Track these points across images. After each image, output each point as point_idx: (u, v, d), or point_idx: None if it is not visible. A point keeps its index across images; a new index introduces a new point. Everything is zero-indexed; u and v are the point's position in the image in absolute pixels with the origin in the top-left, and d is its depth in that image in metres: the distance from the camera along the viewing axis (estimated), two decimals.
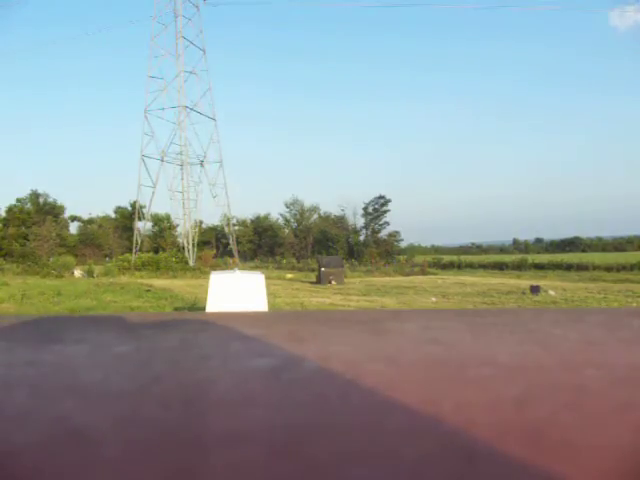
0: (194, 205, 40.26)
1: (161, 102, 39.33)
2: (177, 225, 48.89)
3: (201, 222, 49.67)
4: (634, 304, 13.54)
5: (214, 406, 0.36)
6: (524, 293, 16.75)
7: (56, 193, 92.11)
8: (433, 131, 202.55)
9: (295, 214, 58.22)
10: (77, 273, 29.76)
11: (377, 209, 51.20)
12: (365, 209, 51.51)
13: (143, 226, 43.74)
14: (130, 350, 0.51)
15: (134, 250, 37.93)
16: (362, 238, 51.13)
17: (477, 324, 0.66)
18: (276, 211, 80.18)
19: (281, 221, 59.90)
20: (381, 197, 51.18)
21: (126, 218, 55.27)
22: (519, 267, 36.51)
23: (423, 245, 77.77)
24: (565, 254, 59.14)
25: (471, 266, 39.73)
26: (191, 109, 40.09)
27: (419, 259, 42.13)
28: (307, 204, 58.49)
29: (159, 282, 24.08)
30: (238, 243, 49.37)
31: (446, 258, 46.62)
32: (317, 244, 53.79)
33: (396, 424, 0.32)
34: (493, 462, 0.27)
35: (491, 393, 0.38)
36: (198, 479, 0.26)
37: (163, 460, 0.27)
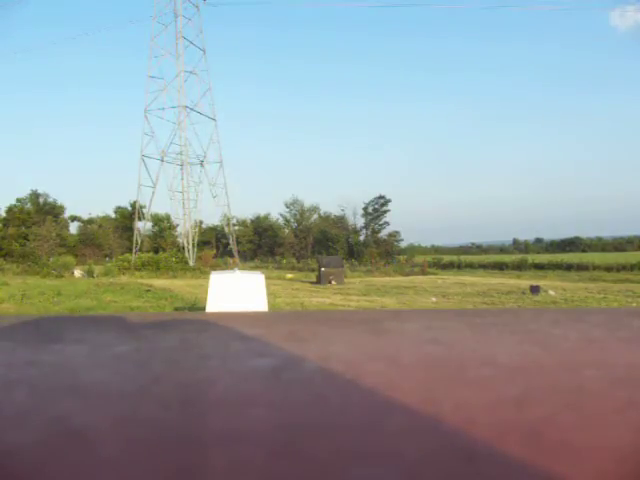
0: (194, 205, 40.29)
1: (161, 102, 39.37)
2: (177, 225, 48.91)
3: (201, 222, 49.73)
4: (634, 304, 13.53)
5: (214, 406, 0.36)
6: (524, 293, 16.75)
7: (56, 193, 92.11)
8: (433, 131, 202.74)
9: (295, 214, 58.25)
10: (77, 273, 29.75)
11: (377, 209, 51.20)
12: (365, 209, 51.52)
13: (143, 226, 43.78)
14: (130, 350, 0.51)
15: (134, 250, 37.93)
16: (362, 238, 51.13)
17: (477, 324, 0.66)
18: (276, 211, 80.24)
19: (281, 221, 59.99)
20: (381, 197, 51.20)
21: (126, 218, 55.30)
22: (519, 267, 36.50)
23: (423, 245, 77.78)
24: (565, 254, 59.13)
25: (471, 266, 39.72)
26: (191, 109, 40.10)
27: (419, 259, 42.11)
28: (307, 204, 58.59)
29: (159, 282, 24.07)
30: (238, 243, 49.37)
31: (446, 258, 46.61)
32: (317, 244, 53.79)
33: (396, 424, 0.32)
34: (493, 462, 0.27)
35: (491, 393, 0.38)
36: (198, 479, 0.26)
37: (163, 460, 0.27)
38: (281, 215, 59.43)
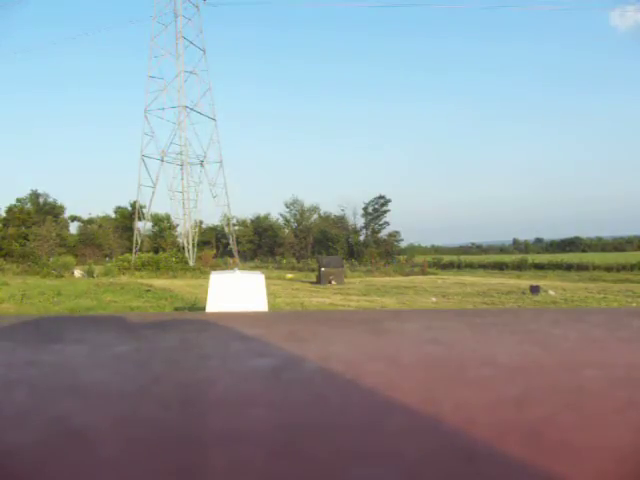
0: (194, 205, 40.28)
1: (161, 102, 39.35)
2: (177, 225, 48.90)
3: (201, 222, 49.73)
4: (634, 304, 13.53)
5: (214, 406, 0.36)
6: (524, 293, 16.75)
7: (56, 193, 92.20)
8: (433, 131, 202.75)
9: (295, 214, 58.24)
10: (77, 273, 29.74)
11: (377, 209, 51.19)
12: (365, 209, 51.51)
13: (143, 226, 43.77)
14: (130, 350, 0.51)
15: (134, 250, 37.92)
16: (362, 238, 51.13)
17: (477, 324, 0.66)
18: (276, 211, 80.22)
19: (281, 221, 59.97)
20: (381, 197, 51.19)
21: (126, 218, 55.29)
22: (519, 267, 36.49)
23: (423, 245, 77.74)
24: (565, 254, 59.10)
25: (471, 266, 39.71)
26: (191, 109, 40.09)
27: (419, 259, 42.10)
28: (307, 204, 58.54)
29: (159, 282, 24.07)
30: (238, 243, 49.37)
31: (446, 258, 46.61)
32: (317, 244, 53.79)
33: (396, 424, 0.32)
34: (493, 462, 0.27)
35: (491, 393, 0.38)
36: (198, 479, 0.26)
37: (163, 460, 0.27)
38: (281, 215, 59.49)
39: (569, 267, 34.64)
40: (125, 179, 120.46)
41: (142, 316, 0.76)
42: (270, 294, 9.48)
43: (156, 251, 40.85)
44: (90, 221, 59.01)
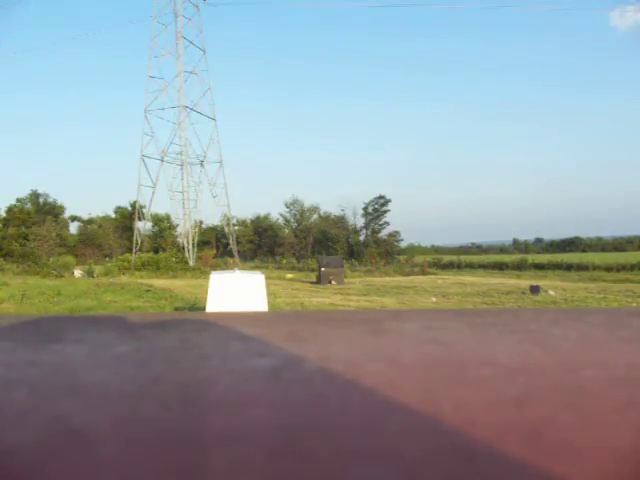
0: (194, 205, 40.27)
1: (161, 102, 39.34)
2: (177, 225, 48.90)
3: (201, 222, 49.72)
4: (634, 304, 13.53)
5: (214, 406, 0.36)
6: (524, 293, 16.74)
7: (56, 193, 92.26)
8: (433, 131, 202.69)
9: (295, 214, 58.24)
10: (77, 273, 29.73)
11: (377, 209, 51.20)
12: (365, 209, 51.52)
13: (143, 226, 43.76)
14: (130, 350, 0.51)
15: (134, 250, 37.92)
16: (362, 238, 51.13)
17: (477, 324, 0.66)
18: (276, 211, 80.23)
19: (281, 221, 59.97)
20: (381, 197, 51.20)
21: (126, 218, 55.28)
22: (519, 267, 36.48)
23: (423, 245, 77.76)
24: (565, 254, 59.08)
25: (471, 266, 39.70)
26: (191, 109, 40.08)
27: (419, 259, 42.07)
28: (307, 204, 58.56)
29: (159, 282, 24.06)
30: (238, 243, 49.36)
31: (446, 258, 46.58)
32: (317, 244, 53.79)
33: (396, 424, 0.32)
34: (493, 462, 0.27)
35: (491, 393, 0.38)
36: (198, 479, 0.26)
37: (163, 460, 0.27)
38: (281, 215, 59.50)
39: (569, 267, 34.63)
40: (125, 179, 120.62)
41: (142, 316, 0.76)
42: (270, 294, 9.48)
43: (156, 251, 40.85)
44: (90, 221, 59.01)
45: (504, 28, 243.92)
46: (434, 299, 15.57)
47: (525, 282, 22.36)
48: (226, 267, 31.47)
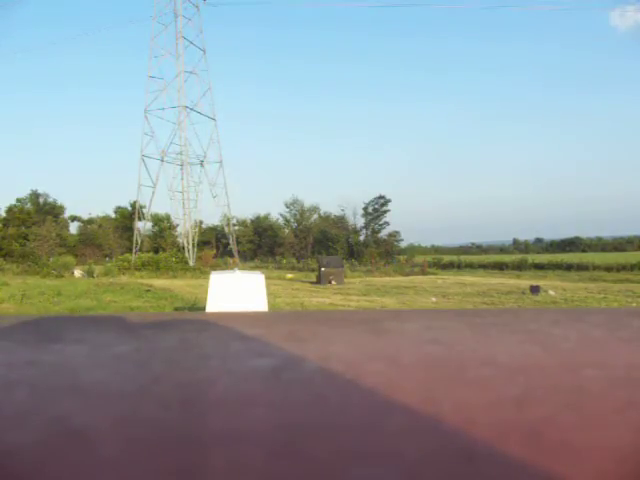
0: (194, 205, 40.27)
1: (161, 102, 39.36)
2: (177, 225, 48.88)
3: (201, 222, 49.71)
4: (634, 304, 13.52)
5: (214, 406, 0.36)
6: (524, 293, 16.74)
7: (56, 193, 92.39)
8: (433, 131, 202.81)
9: (295, 214, 58.23)
10: (77, 273, 29.72)
11: (377, 209, 51.18)
12: (365, 209, 51.50)
13: (143, 226, 43.76)
14: (130, 350, 0.51)
15: (134, 250, 37.92)
16: (362, 238, 51.11)
17: (477, 324, 0.66)
18: (276, 211, 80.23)
19: (281, 221, 59.97)
20: (381, 197, 51.18)
21: (126, 218, 55.27)
22: (519, 267, 36.47)
23: (423, 245, 77.73)
24: (565, 254, 59.08)
25: (471, 266, 39.68)
26: (191, 109, 40.08)
27: (419, 259, 42.06)
28: (307, 204, 58.59)
29: (159, 282, 24.05)
30: (238, 243, 49.36)
31: (446, 258, 46.57)
32: (317, 244, 53.77)
33: (396, 424, 0.32)
34: (493, 462, 0.27)
35: (491, 393, 0.38)
36: (198, 479, 0.26)
37: (163, 460, 0.27)
38: (281, 215, 59.50)
39: (569, 267, 34.63)
40: (125, 179, 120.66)
41: (142, 316, 0.76)
42: (270, 294, 9.47)
43: (156, 251, 40.84)
44: (90, 221, 59.00)
45: (504, 28, 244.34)
46: (434, 299, 15.56)
47: (525, 282, 22.35)
48: (226, 267, 31.46)
